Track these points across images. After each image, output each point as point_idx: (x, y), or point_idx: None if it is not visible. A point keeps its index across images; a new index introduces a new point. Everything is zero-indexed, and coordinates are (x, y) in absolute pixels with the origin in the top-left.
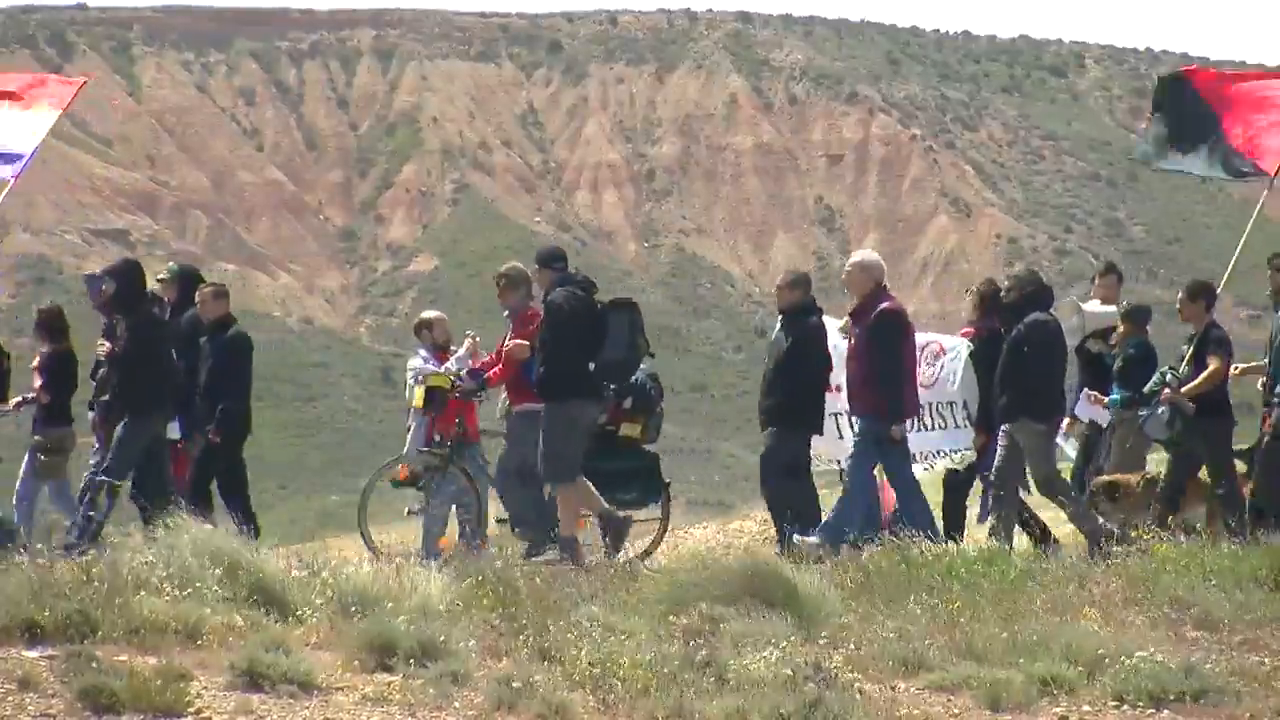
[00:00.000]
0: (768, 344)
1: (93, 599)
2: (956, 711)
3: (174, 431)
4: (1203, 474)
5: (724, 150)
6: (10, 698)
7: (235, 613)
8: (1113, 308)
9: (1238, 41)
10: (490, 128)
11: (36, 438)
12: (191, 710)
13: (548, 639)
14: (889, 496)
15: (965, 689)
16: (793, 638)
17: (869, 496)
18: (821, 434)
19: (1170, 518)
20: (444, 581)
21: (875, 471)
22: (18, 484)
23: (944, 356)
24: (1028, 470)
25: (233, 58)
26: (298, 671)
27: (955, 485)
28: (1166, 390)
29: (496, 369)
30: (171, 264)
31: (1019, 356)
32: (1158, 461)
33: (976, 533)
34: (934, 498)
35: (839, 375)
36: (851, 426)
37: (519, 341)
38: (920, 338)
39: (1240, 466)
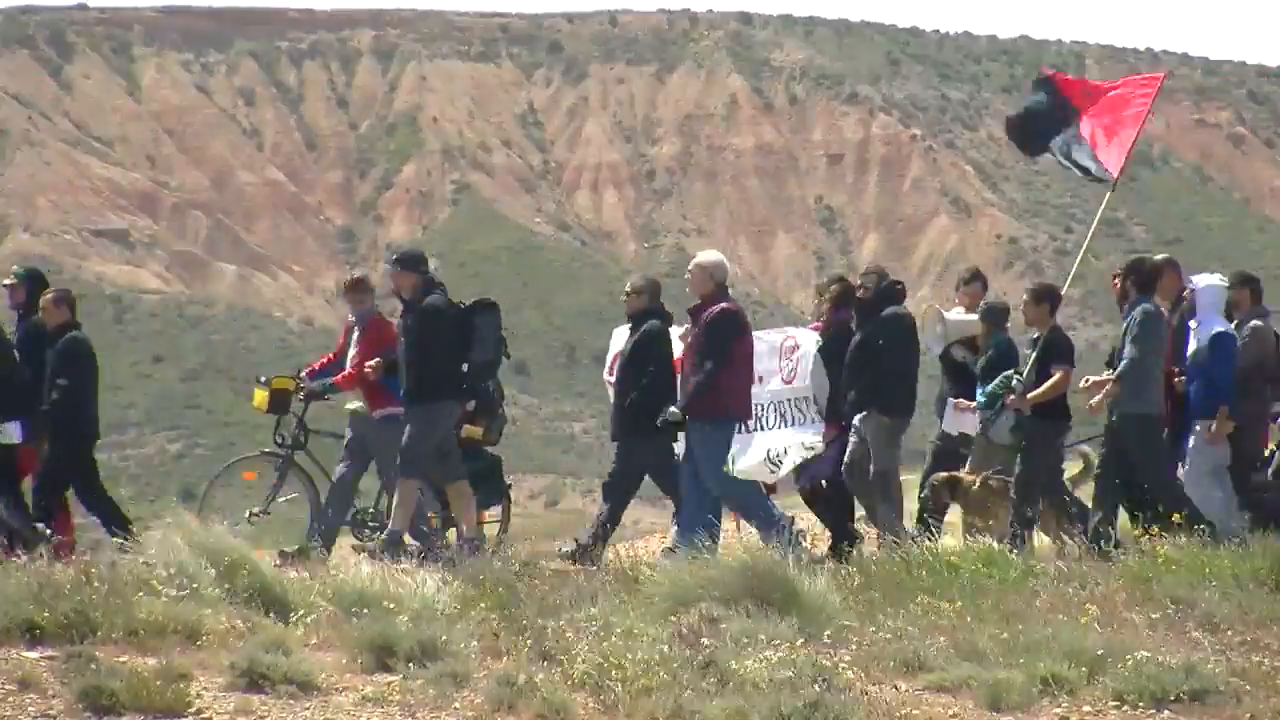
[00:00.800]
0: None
1: (92, 599)
2: (956, 712)
3: (13, 435)
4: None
5: (724, 150)
6: (10, 698)
7: (235, 613)
8: (975, 316)
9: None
10: (490, 128)
11: None
12: (191, 710)
13: (548, 639)
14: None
15: (965, 689)
16: (793, 638)
17: (699, 496)
18: (678, 440)
19: (1033, 521)
20: (443, 581)
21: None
22: None
23: (797, 352)
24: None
25: (233, 58)
26: (298, 672)
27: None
28: (1011, 396)
29: (346, 373)
30: (17, 267)
31: (871, 351)
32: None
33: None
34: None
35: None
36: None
37: (373, 364)
38: (777, 334)
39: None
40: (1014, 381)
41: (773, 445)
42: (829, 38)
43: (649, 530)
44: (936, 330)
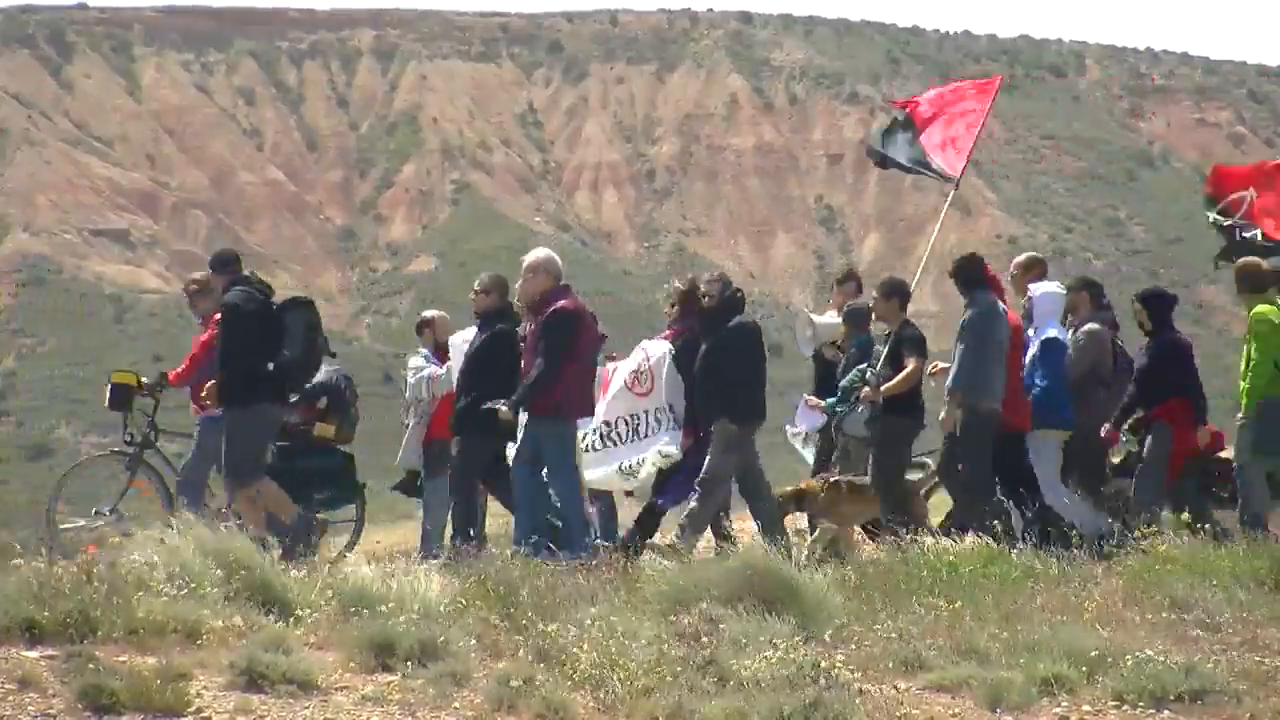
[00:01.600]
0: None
1: (93, 599)
2: (956, 711)
3: None
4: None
5: (724, 150)
6: (10, 698)
7: (235, 613)
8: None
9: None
10: (490, 128)
11: None
12: (191, 710)
13: (548, 639)
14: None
15: (965, 689)
16: (793, 638)
17: (529, 498)
18: (515, 440)
19: (897, 516)
20: (443, 581)
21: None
22: None
23: (651, 361)
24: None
25: (233, 58)
26: (298, 671)
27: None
28: (865, 389)
29: (179, 369)
30: None
31: (719, 358)
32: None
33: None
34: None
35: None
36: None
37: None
38: (638, 350)
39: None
40: (868, 375)
41: (626, 458)
42: (829, 37)
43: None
44: (806, 334)
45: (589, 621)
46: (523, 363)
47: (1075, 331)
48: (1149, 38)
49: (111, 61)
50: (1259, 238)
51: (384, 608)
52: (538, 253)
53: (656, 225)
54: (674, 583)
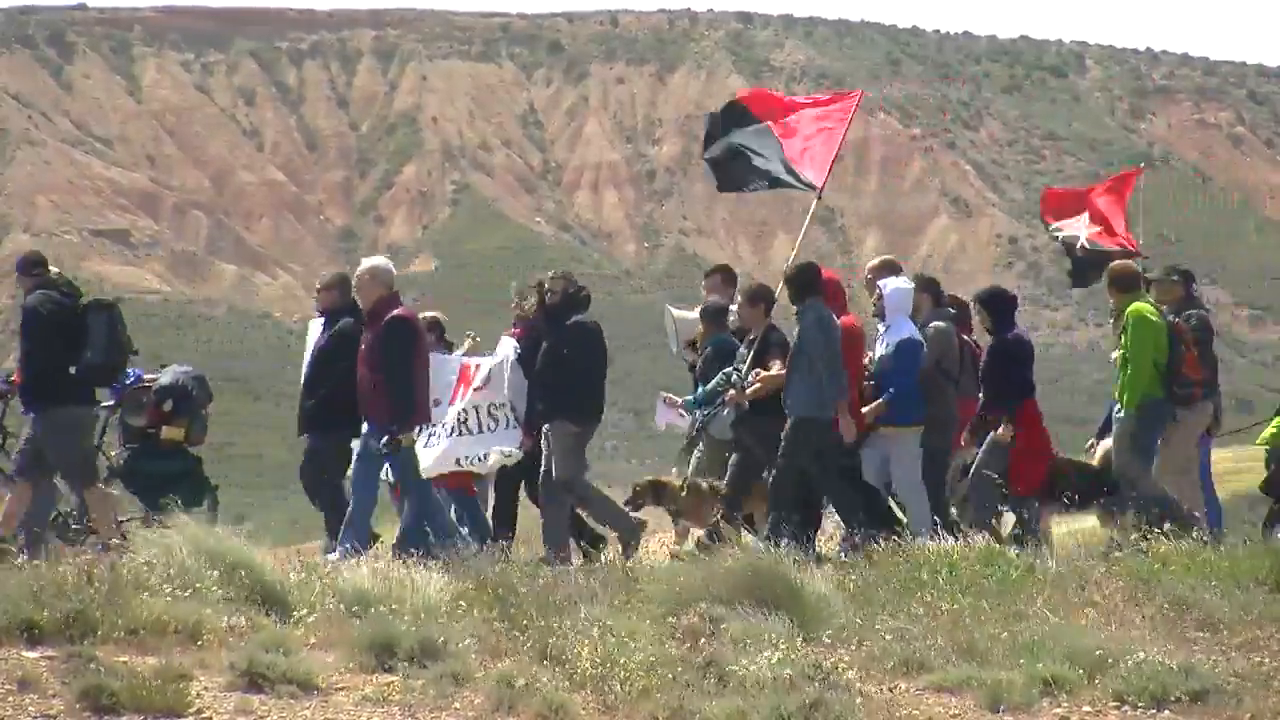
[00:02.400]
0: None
1: (93, 599)
2: (956, 712)
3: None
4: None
5: None
6: (10, 698)
7: (235, 613)
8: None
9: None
10: (490, 128)
11: None
12: (191, 710)
13: (548, 639)
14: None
15: (965, 689)
16: (793, 638)
17: (370, 504)
18: (358, 437)
19: (735, 516)
20: (443, 581)
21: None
22: None
23: (491, 358)
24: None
25: (233, 58)
26: (298, 671)
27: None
28: (731, 391)
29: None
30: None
31: (558, 358)
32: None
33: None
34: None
35: None
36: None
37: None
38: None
39: None
40: (734, 377)
41: (466, 451)
42: (829, 38)
43: (649, 531)
44: (670, 329)
45: (589, 621)
46: (358, 371)
47: (920, 330)
48: (1149, 38)
49: (111, 61)
50: (1083, 241)
51: (384, 608)
52: (375, 260)
53: (657, 225)
54: (674, 583)
